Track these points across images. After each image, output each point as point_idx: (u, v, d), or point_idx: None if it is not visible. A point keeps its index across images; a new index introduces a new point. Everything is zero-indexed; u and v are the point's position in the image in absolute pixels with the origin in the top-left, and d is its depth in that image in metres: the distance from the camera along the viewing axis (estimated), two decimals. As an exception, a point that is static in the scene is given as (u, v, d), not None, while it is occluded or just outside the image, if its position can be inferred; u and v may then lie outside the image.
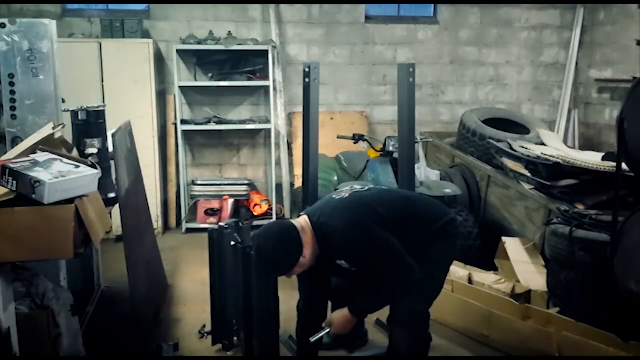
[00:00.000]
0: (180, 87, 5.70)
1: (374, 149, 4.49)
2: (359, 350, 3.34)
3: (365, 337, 3.44)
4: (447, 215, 2.77)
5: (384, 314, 3.68)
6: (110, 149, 3.17)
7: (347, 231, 2.49)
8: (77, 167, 2.49)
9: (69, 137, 3.11)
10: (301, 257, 2.49)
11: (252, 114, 6.07)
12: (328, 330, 2.68)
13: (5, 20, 3.09)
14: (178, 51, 5.59)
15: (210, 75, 5.84)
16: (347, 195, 2.64)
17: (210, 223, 5.48)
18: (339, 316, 2.67)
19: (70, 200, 2.33)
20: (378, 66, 6.32)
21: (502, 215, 4.65)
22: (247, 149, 6.20)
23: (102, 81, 5.21)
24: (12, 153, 2.65)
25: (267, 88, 5.87)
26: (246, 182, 5.95)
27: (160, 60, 5.74)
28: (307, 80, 2.99)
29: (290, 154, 6.12)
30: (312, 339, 2.65)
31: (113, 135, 3.18)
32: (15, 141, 3.10)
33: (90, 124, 3.08)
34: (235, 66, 5.83)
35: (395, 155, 4.20)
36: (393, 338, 2.73)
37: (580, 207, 3.82)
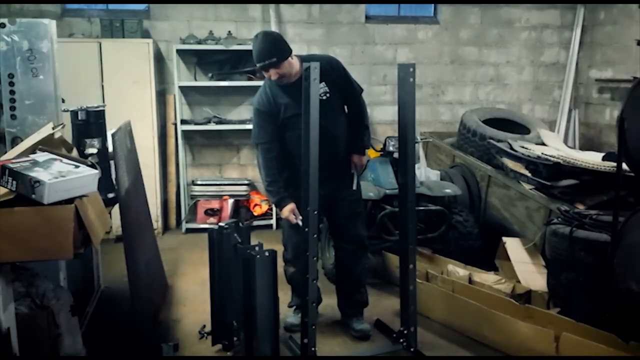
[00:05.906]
0: (180, 87, 5.70)
1: (374, 148, 4.48)
2: (358, 350, 3.35)
3: (366, 302, 3.62)
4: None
5: (383, 315, 3.70)
6: (110, 149, 3.17)
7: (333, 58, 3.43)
8: (77, 167, 2.49)
9: (68, 137, 3.11)
10: (290, 56, 3.16)
11: (252, 114, 6.05)
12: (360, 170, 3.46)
13: (5, 20, 3.09)
14: (178, 51, 5.59)
15: (210, 75, 5.83)
16: None
17: (210, 223, 5.47)
18: (357, 157, 3.49)
19: (70, 200, 2.32)
20: (378, 66, 6.32)
21: (502, 215, 4.65)
22: (247, 149, 6.19)
23: (102, 81, 5.22)
24: (11, 153, 2.65)
25: (267, 88, 5.85)
26: (246, 182, 5.95)
27: (160, 60, 5.74)
28: (307, 80, 2.98)
29: (291, 154, 6.11)
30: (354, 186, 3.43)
31: (113, 135, 3.18)
32: (15, 141, 3.10)
33: (90, 124, 3.08)
34: (235, 66, 5.83)
35: (395, 155, 4.20)
36: (358, 258, 3.48)
37: (581, 207, 3.82)
